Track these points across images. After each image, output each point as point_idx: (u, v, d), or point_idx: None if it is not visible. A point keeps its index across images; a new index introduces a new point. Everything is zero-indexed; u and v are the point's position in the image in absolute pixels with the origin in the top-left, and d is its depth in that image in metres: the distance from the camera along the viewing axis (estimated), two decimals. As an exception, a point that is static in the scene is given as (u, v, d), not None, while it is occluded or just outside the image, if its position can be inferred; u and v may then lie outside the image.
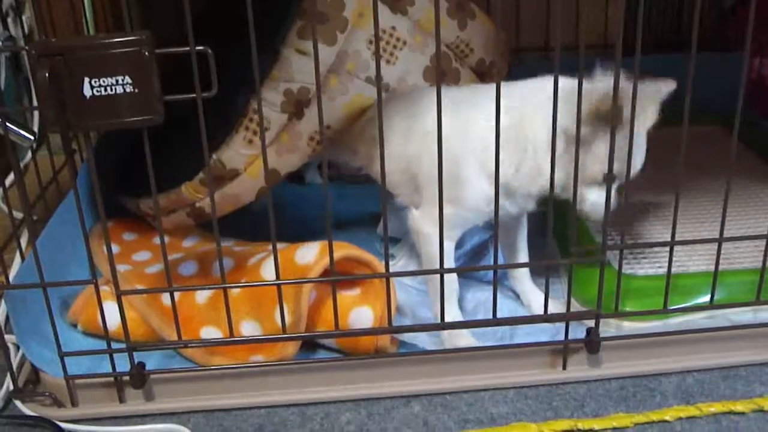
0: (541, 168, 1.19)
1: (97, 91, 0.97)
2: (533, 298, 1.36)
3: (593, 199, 1.21)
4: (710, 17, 2.12)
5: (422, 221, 1.28)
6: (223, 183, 1.39)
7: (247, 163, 1.38)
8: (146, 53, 0.96)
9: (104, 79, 0.96)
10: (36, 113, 1.66)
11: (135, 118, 0.99)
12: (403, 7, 1.39)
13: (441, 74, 1.40)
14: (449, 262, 1.27)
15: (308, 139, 1.39)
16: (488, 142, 1.19)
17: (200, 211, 1.45)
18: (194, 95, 1.00)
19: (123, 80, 0.97)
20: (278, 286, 1.13)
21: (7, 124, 1.17)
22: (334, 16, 1.32)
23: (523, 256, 1.37)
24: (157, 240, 1.54)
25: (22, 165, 1.59)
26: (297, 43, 1.32)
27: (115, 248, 1.49)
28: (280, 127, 1.37)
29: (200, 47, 0.98)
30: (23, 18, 1.73)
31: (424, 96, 1.35)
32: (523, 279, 1.38)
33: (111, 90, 0.97)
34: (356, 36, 1.34)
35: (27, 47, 1.00)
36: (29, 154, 1.53)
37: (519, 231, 1.36)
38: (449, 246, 1.27)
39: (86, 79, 0.96)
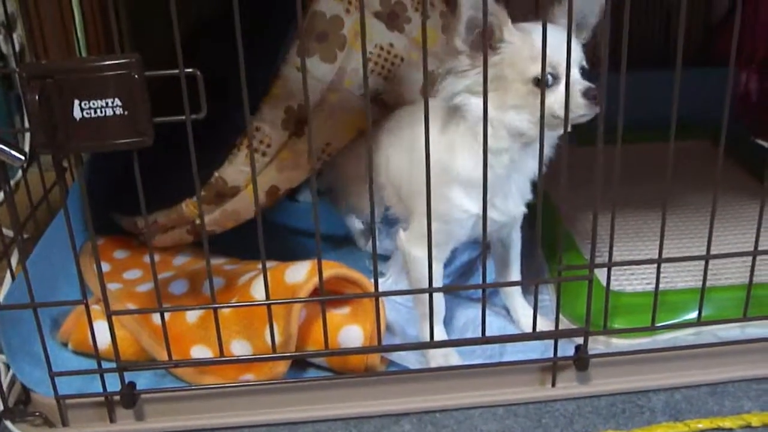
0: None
1: (87, 113, 0.97)
2: (523, 314, 1.36)
3: (557, 93, 1.11)
4: (698, 32, 2.14)
5: (409, 243, 1.27)
6: (224, 200, 1.40)
7: (248, 180, 1.38)
8: (136, 76, 0.97)
9: (94, 102, 0.97)
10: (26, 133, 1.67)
11: (124, 140, 0.99)
12: (400, 25, 1.41)
13: (431, 89, 1.41)
14: (437, 284, 1.27)
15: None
16: (452, 153, 1.20)
17: (200, 229, 1.44)
18: (183, 117, 1.01)
19: (113, 102, 0.97)
20: (268, 305, 1.14)
21: (-1, 145, 1.18)
22: (333, 35, 1.33)
23: (515, 273, 1.37)
24: (147, 258, 1.54)
25: (12, 182, 1.59)
26: (297, 61, 1.32)
27: (105, 266, 1.49)
28: (280, 145, 1.38)
29: (189, 69, 0.99)
30: (14, 36, 1.74)
31: (406, 111, 1.37)
32: (513, 295, 1.38)
33: (101, 112, 0.97)
34: (355, 54, 1.34)
35: (18, 69, 1.01)
36: (19, 172, 1.53)
37: (511, 247, 1.36)
38: (437, 268, 1.28)
39: (76, 102, 0.97)
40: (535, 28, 1.08)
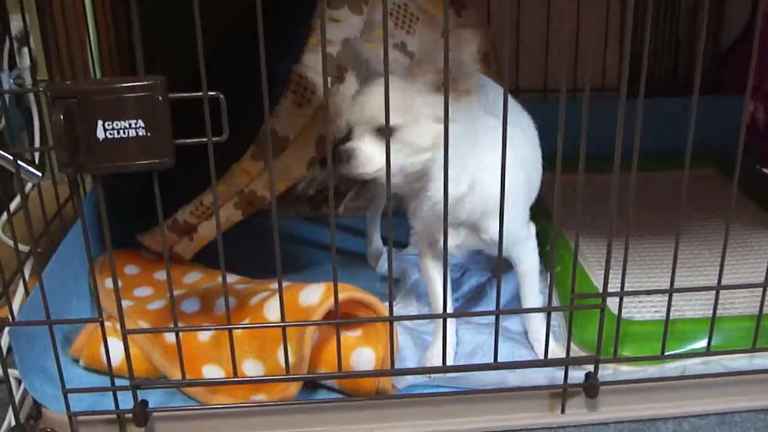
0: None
1: (110, 134, 0.98)
2: (536, 339, 1.35)
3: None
4: (705, 61, 2.15)
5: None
6: (273, 155, 1.39)
7: (297, 130, 1.40)
8: (160, 98, 0.98)
9: (117, 123, 0.98)
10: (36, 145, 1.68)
11: (146, 162, 1.00)
12: None
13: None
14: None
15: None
16: None
17: (250, 197, 1.45)
18: (205, 140, 1.02)
19: (136, 124, 0.98)
20: (283, 328, 1.14)
21: (19, 162, 1.19)
22: None
23: (530, 298, 1.35)
24: (157, 275, 1.56)
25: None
26: (329, 13, 1.39)
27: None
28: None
29: (212, 92, 1.00)
30: (28, 49, 1.75)
31: None
32: (530, 318, 1.37)
33: (124, 133, 0.98)
34: (379, 8, 1.38)
35: (42, 89, 1.02)
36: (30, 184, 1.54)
37: (523, 272, 1.34)
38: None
39: (100, 122, 0.98)
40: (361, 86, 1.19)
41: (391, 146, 1.05)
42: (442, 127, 1.04)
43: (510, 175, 1.11)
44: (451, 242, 1.22)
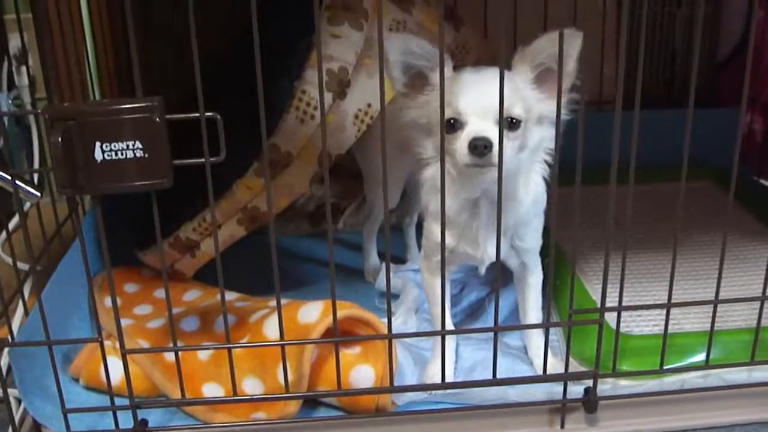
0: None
1: (108, 155, 0.98)
2: (536, 354, 1.35)
3: (457, 140, 1.11)
4: (701, 73, 2.16)
5: (421, 260, 1.35)
6: (276, 171, 1.41)
7: (300, 146, 1.41)
8: (157, 119, 0.98)
9: (115, 144, 0.98)
10: (35, 165, 1.69)
11: (144, 182, 1.00)
12: (408, 8, 1.50)
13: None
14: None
15: (353, 118, 1.43)
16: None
17: (254, 213, 1.46)
18: (203, 160, 1.02)
19: (134, 145, 0.98)
20: (282, 346, 1.14)
21: (17, 182, 1.20)
22: (356, 6, 1.43)
23: (531, 314, 1.36)
24: (157, 293, 1.56)
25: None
26: (329, 29, 1.40)
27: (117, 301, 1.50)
28: (326, 108, 1.40)
29: (210, 113, 1.00)
30: (26, 68, 1.76)
31: None
32: (530, 334, 1.38)
33: (122, 155, 0.98)
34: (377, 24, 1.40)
35: (41, 111, 1.02)
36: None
37: (526, 287, 1.35)
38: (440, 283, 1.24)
39: (98, 144, 0.98)
40: (464, 74, 1.14)
41: (513, 140, 1.10)
42: (545, 130, 1.13)
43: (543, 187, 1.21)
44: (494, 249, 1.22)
